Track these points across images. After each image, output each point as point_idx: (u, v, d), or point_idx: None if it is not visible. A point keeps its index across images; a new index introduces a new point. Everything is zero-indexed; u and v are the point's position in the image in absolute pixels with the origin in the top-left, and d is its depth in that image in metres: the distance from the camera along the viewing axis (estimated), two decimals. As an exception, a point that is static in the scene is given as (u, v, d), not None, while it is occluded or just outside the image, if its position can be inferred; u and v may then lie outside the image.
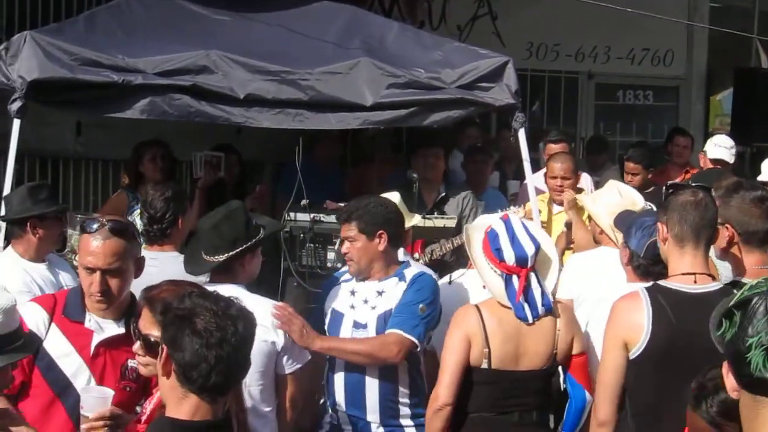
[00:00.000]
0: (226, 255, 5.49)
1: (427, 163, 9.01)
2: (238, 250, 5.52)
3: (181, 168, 10.04)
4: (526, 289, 5.46)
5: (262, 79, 7.42)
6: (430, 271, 6.20)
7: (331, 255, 7.82)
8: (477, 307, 5.54)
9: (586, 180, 10.04)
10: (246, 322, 3.33)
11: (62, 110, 8.34)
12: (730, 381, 2.67)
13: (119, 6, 8.25)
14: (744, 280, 4.96)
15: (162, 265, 6.34)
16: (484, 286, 5.71)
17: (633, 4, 10.48)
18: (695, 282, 4.64)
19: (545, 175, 8.73)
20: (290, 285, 7.86)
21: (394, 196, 6.84)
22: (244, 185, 9.55)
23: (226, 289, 5.33)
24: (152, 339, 3.88)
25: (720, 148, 10.03)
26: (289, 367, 5.55)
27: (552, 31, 13.77)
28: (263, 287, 7.07)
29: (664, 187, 4.99)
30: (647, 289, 4.71)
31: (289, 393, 5.58)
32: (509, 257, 5.45)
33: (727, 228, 4.98)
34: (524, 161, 7.96)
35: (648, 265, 5.41)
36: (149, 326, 3.94)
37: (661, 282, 4.74)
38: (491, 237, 5.54)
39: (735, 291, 4.24)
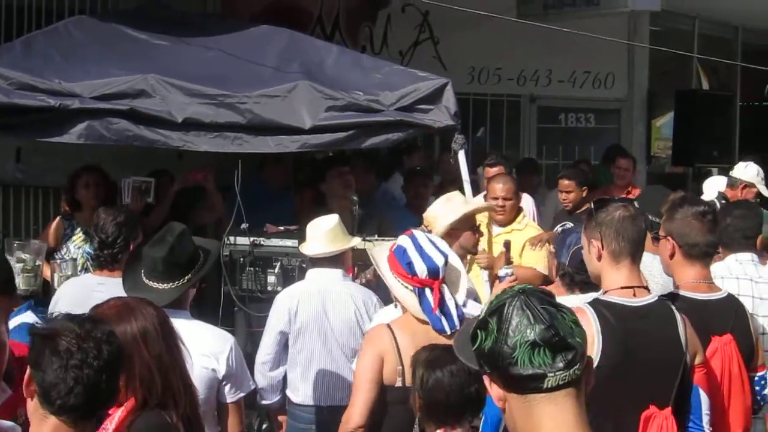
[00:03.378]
0: (184, 280, 5.42)
1: (345, 180, 8.92)
2: (196, 275, 5.47)
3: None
4: (441, 301, 5.40)
5: (200, 103, 7.38)
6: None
7: (271, 279, 7.78)
8: (388, 325, 5.46)
9: (527, 201, 10.09)
10: (111, 346, 3.29)
11: (-1, 135, 8.24)
12: (494, 390, 2.73)
13: (57, 30, 8.22)
14: (681, 292, 5.06)
15: (109, 290, 6.20)
16: (396, 305, 5.69)
17: (574, 26, 10.58)
18: (634, 295, 4.62)
19: (485, 196, 8.74)
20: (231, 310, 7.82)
21: (332, 219, 6.85)
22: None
23: (180, 320, 5.25)
24: None
25: (761, 180, 10.13)
26: (231, 395, 5.47)
27: (493, 55, 13.85)
28: (204, 312, 7.06)
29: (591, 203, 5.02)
30: (590, 303, 4.66)
31: (231, 422, 5.50)
32: (421, 270, 5.40)
33: (668, 240, 5.09)
34: (465, 183, 7.92)
35: (573, 274, 5.43)
36: None
37: (601, 297, 4.71)
38: (399, 253, 5.49)
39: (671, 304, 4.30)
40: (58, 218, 8.85)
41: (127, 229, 6.75)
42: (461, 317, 5.40)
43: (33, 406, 3.28)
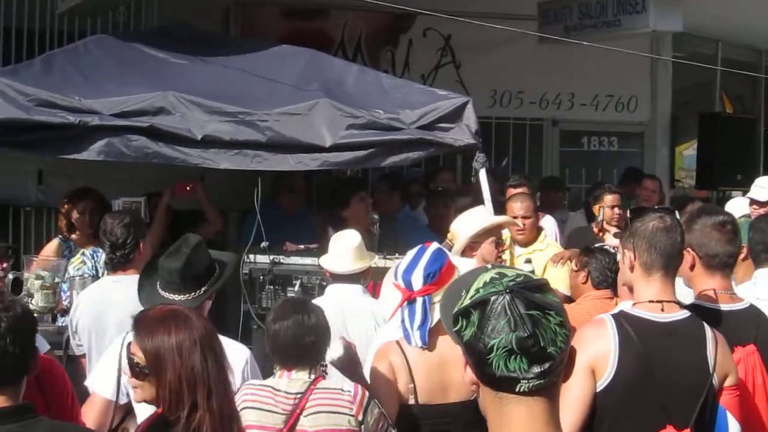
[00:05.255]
0: (201, 291, 5.38)
1: (367, 204, 8.86)
2: (212, 287, 5.44)
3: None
4: (409, 312, 5.38)
5: (220, 121, 7.39)
6: None
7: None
8: (398, 342, 5.42)
9: (549, 222, 10.00)
10: (9, 312, 3.58)
11: (18, 151, 8.16)
12: (469, 375, 2.68)
13: (77, 49, 8.25)
14: (702, 303, 4.97)
15: (123, 287, 6.35)
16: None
17: (598, 50, 10.56)
18: (662, 310, 4.52)
19: (506, 215, 8.66)
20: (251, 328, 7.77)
21: (355, 236, 6.81)
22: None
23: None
24: (135, 360, 3.85)
25: (755, 188, 9.95)
26: None
27: (515, 79, 13.77)
28: (224, 330, 7.00)
29: (627, 211, 4.94)
30: (613, 316, 4.58)
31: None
32: (398, 275, 5.47)
33: (688, 252, 4.97)
34: (486, 201, 7.88)
35: None
36: (135, 348, 3.88)
37: (627, 309, 4.64)
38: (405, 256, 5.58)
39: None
40: (56, 240, 8.75)
41: (135, 229, 6.82)
42: (422, 338, 5.36)
43: None
